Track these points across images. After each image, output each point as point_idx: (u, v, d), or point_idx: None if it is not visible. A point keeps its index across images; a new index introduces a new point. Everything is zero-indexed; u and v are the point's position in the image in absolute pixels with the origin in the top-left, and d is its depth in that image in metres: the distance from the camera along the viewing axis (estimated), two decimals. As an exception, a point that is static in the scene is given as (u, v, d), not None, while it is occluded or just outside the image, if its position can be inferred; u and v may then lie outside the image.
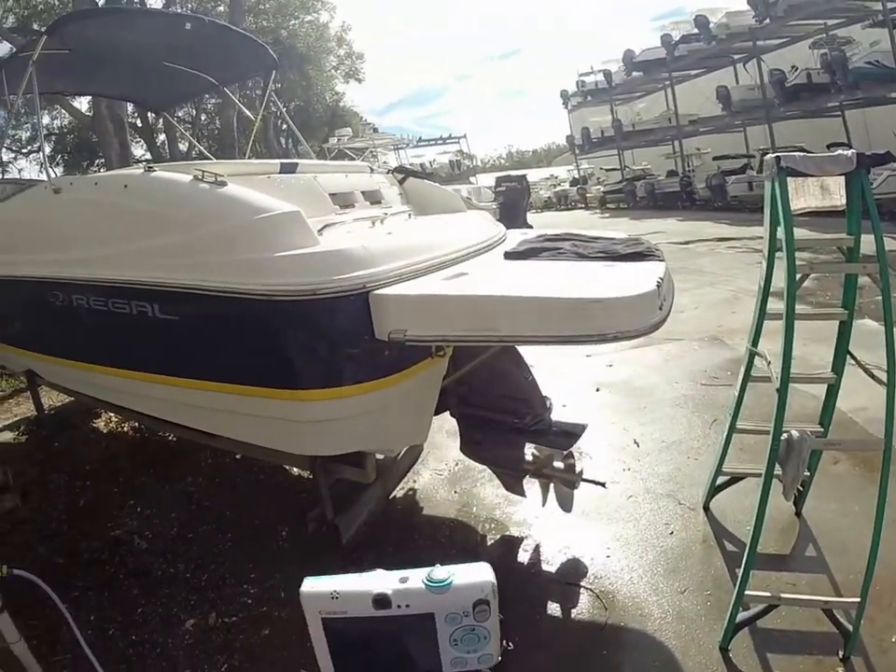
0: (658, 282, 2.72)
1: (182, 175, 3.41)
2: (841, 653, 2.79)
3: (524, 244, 3.76)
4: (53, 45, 4.75)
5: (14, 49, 9.03)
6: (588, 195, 37.58)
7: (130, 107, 19.41)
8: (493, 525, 4.10)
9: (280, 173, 3.93)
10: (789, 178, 2.84)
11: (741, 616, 2.91)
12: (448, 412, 4.11)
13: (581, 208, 37.13)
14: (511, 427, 3.88)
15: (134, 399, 4.24)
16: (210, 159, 9.25)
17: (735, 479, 3.90)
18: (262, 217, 3.01)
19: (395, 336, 2.78)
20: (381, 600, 1.28)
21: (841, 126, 24.52)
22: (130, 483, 5.00)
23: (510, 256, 3.57)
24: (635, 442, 5.00)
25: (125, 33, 5.30)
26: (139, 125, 25.68)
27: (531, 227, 17.04)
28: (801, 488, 3.68)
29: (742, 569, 2.87)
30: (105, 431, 6.20)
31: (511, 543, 3.93)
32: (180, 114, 34.14)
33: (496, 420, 3.96)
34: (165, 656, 3.22)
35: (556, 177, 47.09)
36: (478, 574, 1.32)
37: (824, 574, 3.33)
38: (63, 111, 27.07)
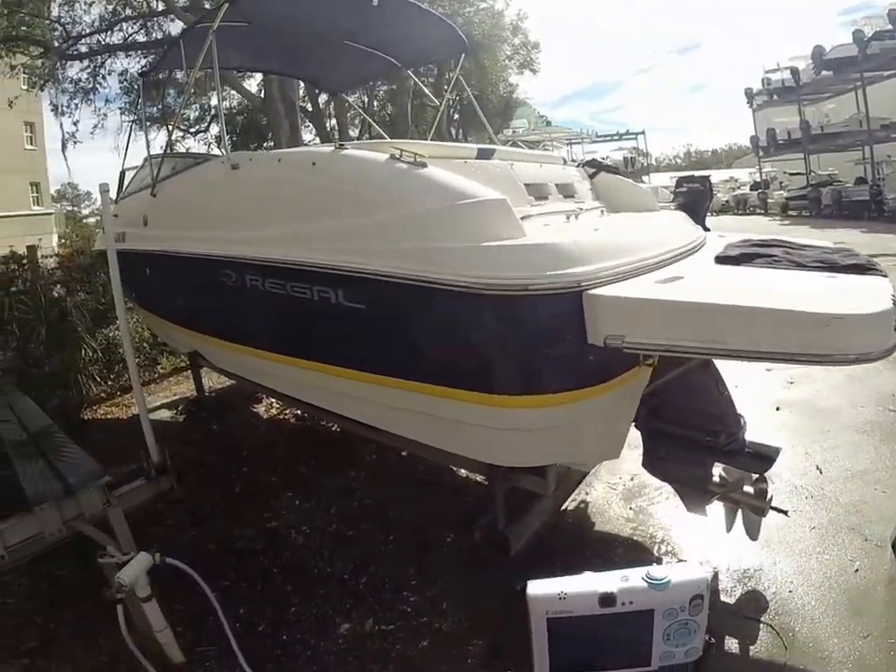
0: (893, 299, 2.47)
1: (377, 153, 3.23)
2: None
3: (733, 248, 3.48)
4: (233, 16, 4.57)
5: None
6: (769, 200, 35.87)
7: (301, 90, 19.74)
8: (669, 548, 3.83)
9: (477, 158, 3.70)
10: None
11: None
12: (633, 423, 3.78)
13: (760, 214, 35.37)
14: (704, 445, 3.60)
15: (303, 389, 4.13)
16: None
17: None
18: (467, 202, 2.79)
19: (611, 341, 2.51)
20: (607, 598, 1.30)
21: None
22: (288, 472, 4.90)
23: (722, 260, 3.25)
24: (817, 469, 4.65)
25: (307, 6, 5.18)
26: (310, 109, 26.00)
27: (709, 230, 16.34)
28: None
29: None
30: (265, 417, 6.19)
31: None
32: (351, 100, 34.85)
33: (687, 436, 3.67)
34: (316, 660, 3.09)
35: (736, 180, 45.10)
36: (692, 572, 1.36)
37: None
38: (233, 91, 27.84)
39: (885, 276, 2.93)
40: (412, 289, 2.84)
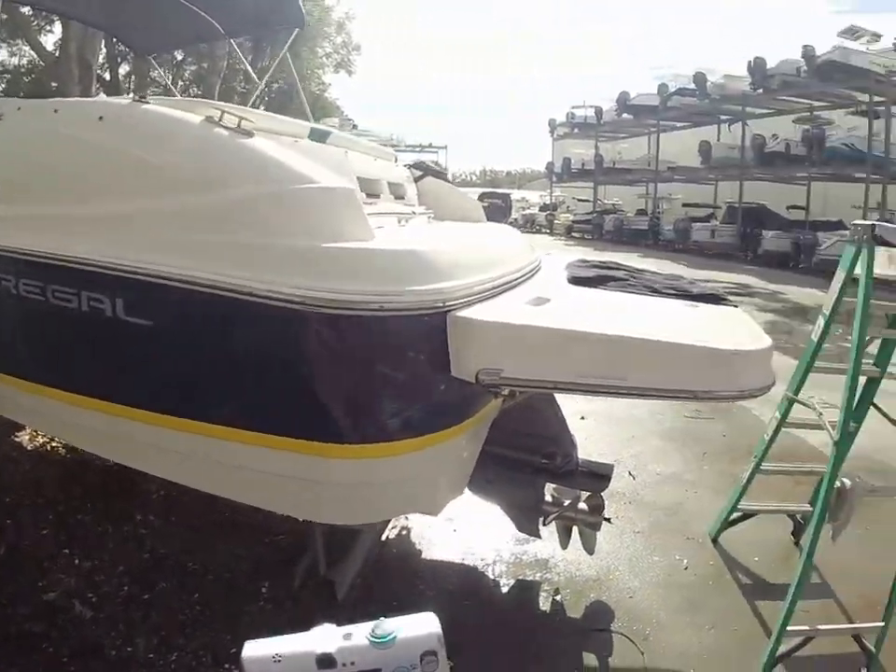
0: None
1: (189, 114, 2.51)
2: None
3: (580, 268, 3.42)
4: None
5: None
6: (556, 221, 38.67)
7: (102, 56, 18.07)
8: (504, 569, 3.68)
9: (310, 138, 3.05)
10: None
11: (780, 650, 2.94)
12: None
13: (546, 233, 37.65)
14: (539, 467, 3.48)
15: (68, 430, 3.22)
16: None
17: (748, 515, 3.97)
18: (305, 188, 2.17)
19: (486, 377, 2.03)
20: (325, 660, 1.21)
21: (804, 193, 26.25)
22: (63, 521, 3.79)
23: (577, 282, 3.10)
24: (630, 474, 4.85)
25: None
26: (107, 78, 23.71)
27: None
28: (801, 521, 3.93)
29: (786, 607, 2.90)
30: (29, 448, 4.80)
31: (528, 589, 3.57)
32: (153, 74, 32.61)
33: (521, 459, 3.48)
34: None
35: (527, 200, 47.87)
36: (423, 625, 1.25)
37: (831, 599, 3.45)
38: (26, 47, 24.89)
39: (736, 306, 3.04)
40: (219, 301, 2.13)
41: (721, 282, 16.91)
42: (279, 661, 1.23)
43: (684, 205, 32.10)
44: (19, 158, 2.98)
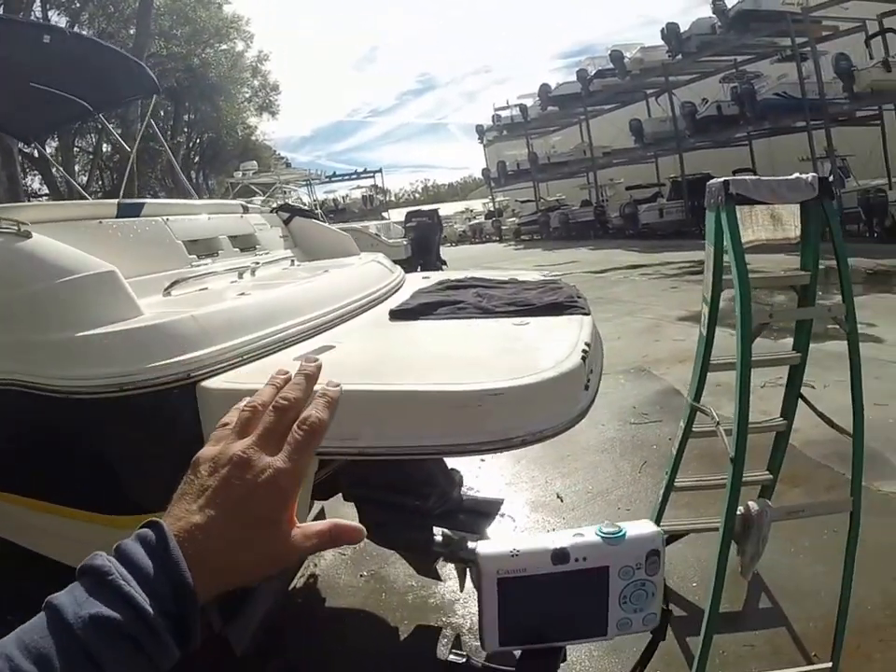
0: (584, 351, 2.04)
1: None
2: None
3: (417, 296, 3.17)
4: None
5: None
6: (503, 227, 38.44)
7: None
8: (407, 614, 3.50)
9: (118, 217, 3.17)
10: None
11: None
12: (341, 494, 3.40)
13: (495, 240, 37.65)
14: (414, 509, 3.27)
15: None
16: (86, 198, 8.23)
17: (675, 536, 3.42)
18: (65, 280, 2.24)
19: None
20: (560, 554, 1.21)
21: (747, 154, 26.07)
22: None
23: (397, 315, 2.89)
24: (558, 497, 4.55)
25: None
26: (35, 155, 23.96)
27: (445, 262, 16.76)
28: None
29: (698, 654, 2.52)
30: None
31: (432, 635, 3.37)
32: (82, 143, 32.56)
33: (397, 503, 3.33)
34: None
35: (472, 210, 47.51)
36: (646, 527, 1.27)
37: (783, 627, 3.00)
38: None
39: (586, 314, 2.62)
40: (7, 395, 2.28)
41: (675, 262, 16.89)
42: (516, 556, 1.24)
43: (628, 188, 31.27)
44: None
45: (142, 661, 0.61)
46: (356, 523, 0.78)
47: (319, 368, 0.83)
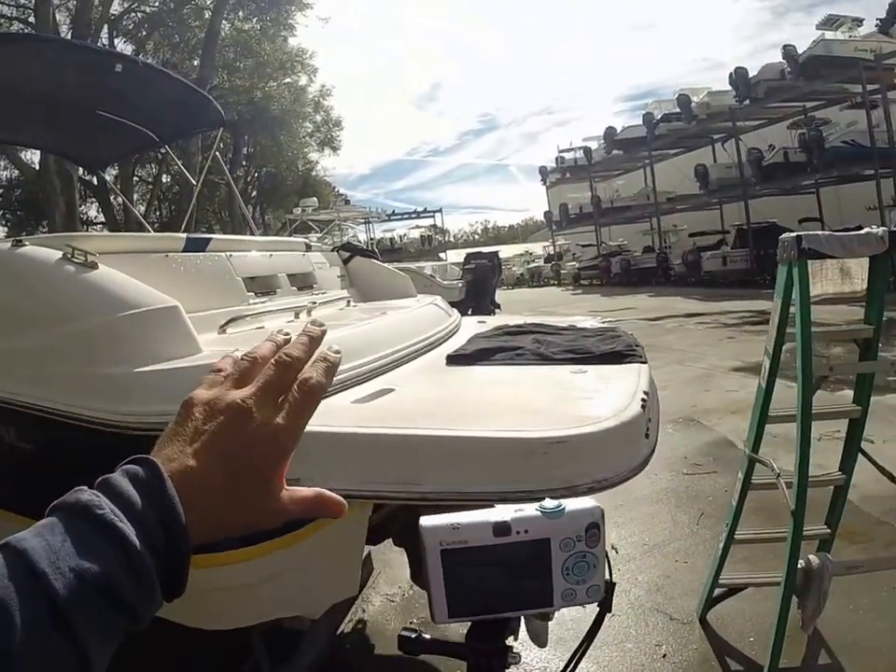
0: (643, 400, 2.04)
1: (51, 251, 2.62)
2: None
3: (475, 341, 3.13)
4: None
5: None
6: (562, 271, 38.33)
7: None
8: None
9: (184, 251, 3.19)
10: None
11: None
12: (391, 539, 3.33)
13: (553, 284, 37.65)
14: None
15: None
16: (147, 228, 8.47)
17: (734, 590, 3.35)
18: (128, 314, 2.27)
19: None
20: (501, 527, 1.25)
21: (814, 202, 25.63)
22: None
23: (454, 360, 2.84)
24: (613, 548, 4.35)
25: (45, 70, 4.56)
26: (95, 183, 24.47)
27: (498, 305, 16.73)
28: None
29: None
30: None
31: None
32: (142, 173, 33.30)
33: None
34: None
35: (531, 253, 47.70)
36: (585, 502, 1.32)
37: None
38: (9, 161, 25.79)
39: (643, 363, 2.58)
40: (63, 428, 2.29)
41: (735, 312, 16.54)
42: (457, 528, 1.26)
43: (691, 235, 31.21)
44: None
45: (121, 617, 0.56)
46: (339, 496, 0.76)
47: (324, 333, 0.81)
